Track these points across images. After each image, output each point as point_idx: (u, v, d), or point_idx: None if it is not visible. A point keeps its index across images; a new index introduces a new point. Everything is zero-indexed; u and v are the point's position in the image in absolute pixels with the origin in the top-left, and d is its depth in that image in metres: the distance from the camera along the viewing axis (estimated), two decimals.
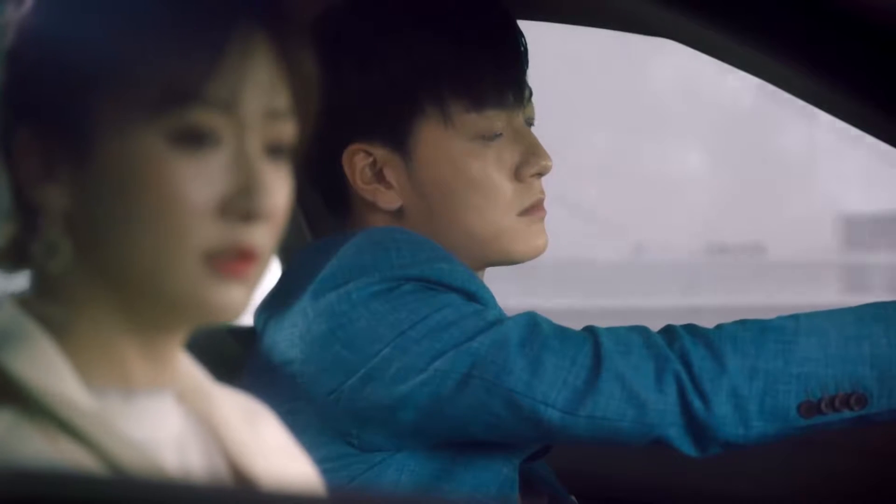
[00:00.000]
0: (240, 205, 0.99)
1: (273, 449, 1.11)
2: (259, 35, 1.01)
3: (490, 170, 1.60)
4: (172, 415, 1.05)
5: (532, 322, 1.49)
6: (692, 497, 2.07)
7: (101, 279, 1.01)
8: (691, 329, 1.49)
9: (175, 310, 1.01)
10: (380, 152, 1.60)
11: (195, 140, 0.99)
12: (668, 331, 1.50)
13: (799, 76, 1.38)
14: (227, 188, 0.99)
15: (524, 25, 1.70)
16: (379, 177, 1.61)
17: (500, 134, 1.61)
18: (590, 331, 1.49)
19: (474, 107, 1.59)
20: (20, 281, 1.05)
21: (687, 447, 1.47)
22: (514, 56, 1.64)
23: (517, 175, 1.61)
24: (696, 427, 1.46)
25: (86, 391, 0.99)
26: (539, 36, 1.73)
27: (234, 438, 1.07)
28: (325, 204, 1.67)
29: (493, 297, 1.55)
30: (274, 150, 1.02)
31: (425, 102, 1.59)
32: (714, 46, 1.46)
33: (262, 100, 1.01)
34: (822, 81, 1.35)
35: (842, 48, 1.31)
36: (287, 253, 1.93)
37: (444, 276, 1.52)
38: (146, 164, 0.98)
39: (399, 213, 1.61)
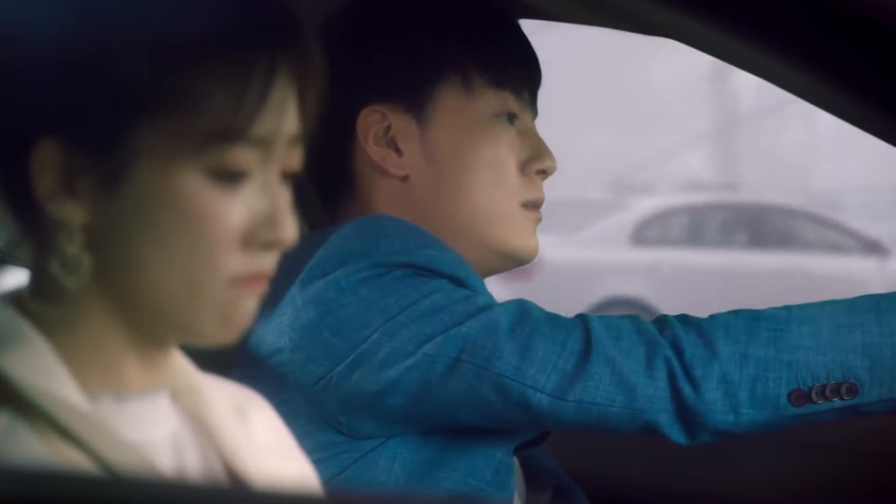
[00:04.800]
0: (263, 236, 1.01)
1: (265, 444, 1.11)
2: (289, 71, 1.01)
3: (502, 151, 1.62)
4: (166, 415, 1.05)
5: (522, 308, 1.48)
6: (691, 497, 2.07)
7: (112, 295, 1.00)
8: (683, 317, 1.49)
9: (190, 331, 1.01)
10: (396, 117, 1.61)
11: (232, 176, 0.99)
12: (660, 319, 1.49)
13: (799, 75, 1.37)
14: (253, 220, 1.00)
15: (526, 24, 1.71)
16: (391, 143, 1.61)
17: (514, 120, 1.63)
18: (581, 317, 1.49)
19: (495, 83, 1.61)
20: (13, 278, 1.05)
21: (676, 434, 1.47)
22: (534, 59, 1.67)
23: (523, 169, 1.63)
24: (686, 413, 1.45)
25: (81, 393, 0.99)
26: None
27: (225, 436, 1.07)
28: (331, 169, 1.66)
29: (482, 284, 1.55)
30: (287, 176, 1.03)
31: (449, 68, 1.60)
32: (715, 46, 1.46)
33: (287, 129, 1.02)
34: (823, 80, 1.35)
35: (844, 47, 1.30)
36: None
37: (433, 263, 1.51)
38: (183, 196, 0.98)
39: (405, 180, 1.62)
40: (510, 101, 1.63)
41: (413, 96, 1.61)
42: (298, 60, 1.01)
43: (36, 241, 1.02)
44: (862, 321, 1.46)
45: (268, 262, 1.02)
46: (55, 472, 0.92)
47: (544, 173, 1.64)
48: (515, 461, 1.63)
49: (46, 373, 0.98)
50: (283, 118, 1.01)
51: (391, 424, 1.50)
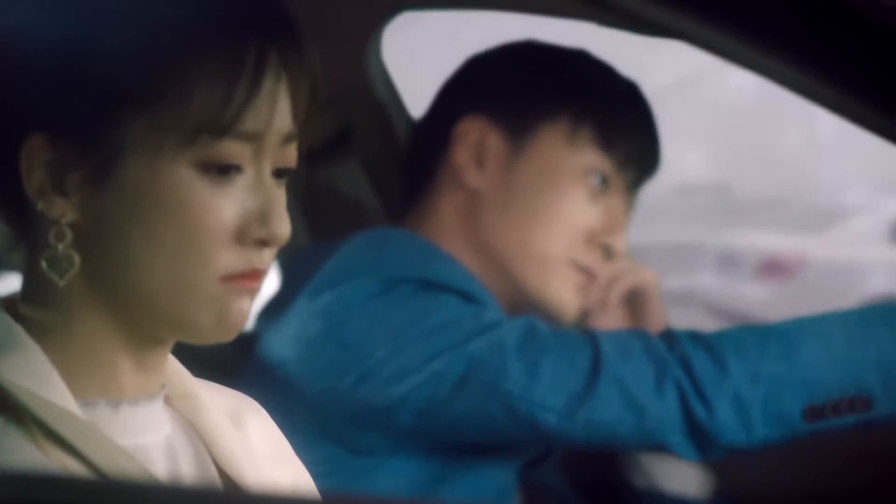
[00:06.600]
0: (256, 233, 0.99)
1: (260, 450, 1.10)
2: (280, 66, 1.00)
3: (576, 207, 1.61)
4: (161, 420, 1.05)
5: (530, 326, 1.47)
6: (669, 498, 2.06)
7: (104, 295, 0.99)
8: (692, 333, 1.47)
9: (183, 328, 1.00)
10: (493, 135, 1.62)
11: (223, 170, 0.98)
12: (669, 335, 1.48)
13: (804, 75, 1.37)
14: (246, 216, 0.99)
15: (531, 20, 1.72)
16: (477, 156, 1.62)
17: (606, 185, 1.62)
18: (589, 335, 1.48)
19: (601, 143, 1.61)
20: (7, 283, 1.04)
21: (688, 453, 1.45)
22: (654, 153, 1.67)
23: (590, 235, 1.62)
24: (698, 433, 1.44)
25: (73, 399, 0.98)
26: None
27: (219, 442, 1.06)
28: (421, 162, 1.68)
29: (491, 299, 1.54)
30: (279, 174, 1.02)
31: (562, 110, 1.61)
32: (722, 47, 1.45)
33: (279, 126, 1.00)
34: (827, 80, 1.34)
35: (848, 47, 1.30)
36: (286, 254, 1.92)
37: (441, 277, 1.51)
38: (172, 190, 0.97)
39: (475, 196, 1.62)
40: (607, 167, 1.62)
41: (517, 122, 1.62)
42: (289, 55, 1.00)
43: (27, 241, 1.01)
44: (874, 335, 1.44)
45: (261, 259, 1.00)
46: (49, 478, 0.91)
47: (606, 249, 1.63)
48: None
49: (39, 378, 0.97)
50: (275, 114, 1.00)
51: (397, 440, 1.49)
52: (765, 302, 8.53)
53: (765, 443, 1.45)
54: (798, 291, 8.77)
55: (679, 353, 1.45)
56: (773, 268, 9.17)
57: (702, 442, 1.45)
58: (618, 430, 1.44)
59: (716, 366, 1.44)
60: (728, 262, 9.15)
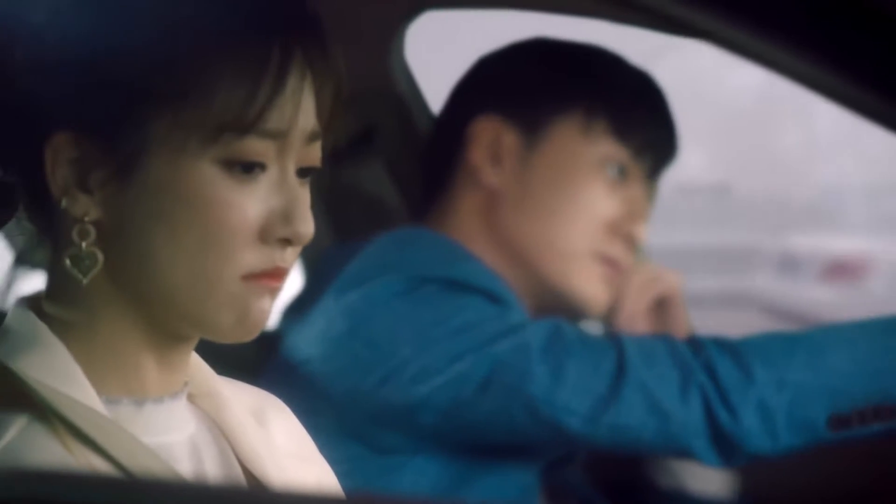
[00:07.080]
0: (280, 232, 0.99)
1: (284, 448, 1.11)
2: (304, 64, 1.00)
3: (596, 199, 1.61)
4: (185, 419, 1.05)
5: (555, 328, 1.47)
6: (692, 497, 2.05)
7: (127, 292, 1.00)
8: (718, 340, 1.47)
9: (205, 325, 1.01)
10: (508, 133, 1.62)
11: (247, 168, 0.98)
12: (694, 341, 1.48)
13: (813, 68, 1.36)
14: (270, 214, 0.99)
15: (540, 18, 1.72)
16: (494, 155, 1.62)
17: (625, 174, 1.62)
18: (614, 339, 1.48)
19: (617, 133, 1.61)
20: (34, 282, 1.05)
21: (712, 459, 1.45)
22: (670, 140, 1.67)
23: (613, 226, 1.62)
24: (722, 439, 1.44)
25: (98, 398, 0.99)
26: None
27: (243, 440, 1.07)
28: (437, 163, 1.69)
29: (516, 300, 1.54)
30: (303, 173, 1.02)
31: (574, 103, 1.61)
32: (734, 44, 1.45)
33: (303, 125, 1.00)
34: (834, 72, 1.34)
35: (858, 40, 1.29)
36: (310, 253, 1.93)
37: (466, 277, 1.51)
38: (196, 187, 0.97)
39: (493, 195, 1.62)
40: (624, 156, 1.62)
41: (531, 119, 1.62)
42: (314, 54, 1.00)
43: (51, 239, 1.02)
44: None
45: (284, 257, 1.00)
46: (73, 475, 0.91)
47: (629, 239, 1.63)
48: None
49: (63, 376, 0.98)
50: (299, 112, 1.00)
51: (419, 440, 1.49)
52: (830, 304, 8.41)
53: (789, 450, 1.45)
54: (866, 295, 8.63)
55: (704, 359, 1.45)
56: (839, 270, 9.02)
57: (726, 448, 1.45)
58: (641, 435, 1.44)
59: (741, 372, 1.44)
60: (789, 264, 9.03)
